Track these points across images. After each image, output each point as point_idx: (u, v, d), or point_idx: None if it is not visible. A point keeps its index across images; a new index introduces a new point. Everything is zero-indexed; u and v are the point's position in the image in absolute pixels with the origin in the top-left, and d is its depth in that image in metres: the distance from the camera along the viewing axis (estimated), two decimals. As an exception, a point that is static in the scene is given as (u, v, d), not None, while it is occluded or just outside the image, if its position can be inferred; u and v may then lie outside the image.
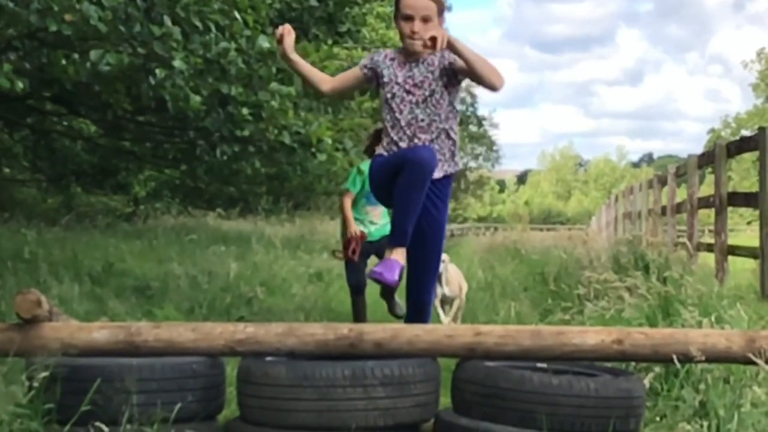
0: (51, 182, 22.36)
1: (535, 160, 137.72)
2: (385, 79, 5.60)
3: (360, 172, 8.78)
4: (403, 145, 5.51)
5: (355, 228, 8.70)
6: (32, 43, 10.31)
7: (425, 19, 5.33)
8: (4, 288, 9.12)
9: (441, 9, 5.46)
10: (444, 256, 8.19)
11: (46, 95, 14.65)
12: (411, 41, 5.41)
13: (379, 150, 5.77)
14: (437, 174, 5.47)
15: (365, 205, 8.94)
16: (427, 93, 5.51)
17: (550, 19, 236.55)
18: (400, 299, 7.57)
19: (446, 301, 9.31)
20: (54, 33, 9.21)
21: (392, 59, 5.65)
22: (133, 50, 9.62)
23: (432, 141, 5.53)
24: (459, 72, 5.47)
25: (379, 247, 8.44)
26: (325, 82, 5.81)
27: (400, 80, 5.55)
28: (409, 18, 5.37)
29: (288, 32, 5.56)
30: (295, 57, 5.66)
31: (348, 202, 8.71)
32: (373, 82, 5.72)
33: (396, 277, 5.45)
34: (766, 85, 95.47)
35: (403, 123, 5.53)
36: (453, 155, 5.68)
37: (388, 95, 5.57)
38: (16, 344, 4.78)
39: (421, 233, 5.55)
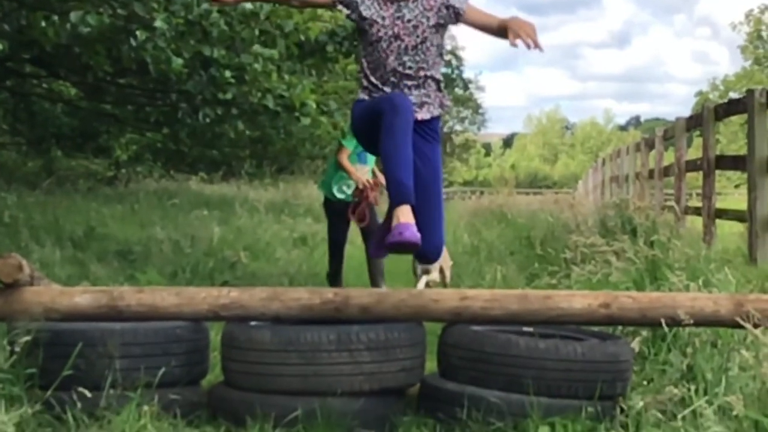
0: (31, 145, 22.28)
1: (521, 123, 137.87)
2: (368, 21, 5.06)
3: None
4: (387, 89, 5.12)
5: (359, 177, 8.55)
6: (11, 4, 10.24)
7: None
8: (-16, 252, 9.09)
9: None
10: None
11: (25, 57, 14.55)
12: None
13: (361, 94, 5.35)
14: (425, 116, 5.17)
15: (355, 162, 8.77)
16: (418, 40, 5.05)
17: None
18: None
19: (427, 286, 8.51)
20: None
21: None
22: (114, 11, 9.56)
23: (417, 87, 5.15)
24: (466, 24, 5.12)
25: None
26: None
27: (387, 22, 5.03)
28: None
29: None
30: None
31: (344, 156, 8.64)
32: (347, 13, 5.17)
33: (417, 234, 4.80)
34: (754, 48, 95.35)
35: (388, 69, 5.11)
36: (439, 99, 5.28)
37: (372, 38, 5.08)
38: (-4, 309, 4.78)
39: (417, 176, 5.02)
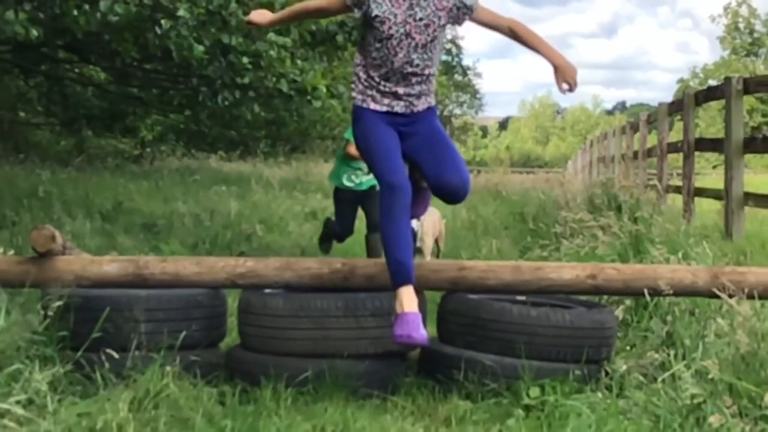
0: (64, 126, 22.28)
1: (516, 107, 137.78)
2: (380, 18, 4.60)
3: None
4: (390, 85, 4.74)
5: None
6: (45, -7, 10.21)
7: None
8: (21, 224, 9.15)
9: None
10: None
11: (58, 44, 14.53)
12: None
13: (357, 96, 4.85)
14: (423, 107, 4.82)
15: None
16: (428, 39, 4.68)
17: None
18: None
19: (417, 252, 8.20)
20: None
21: None
22: (140, 1, 9.54)
23: (419, 83, 4.76)
24: (475, 21, 4.84)
25: (367, 197, 8.35)
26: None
27: (399, 19, 4.62)
28: None
29: (256, 18, 5.00)
30: (272, 18, 5.03)
31: (352, 148, 8.53)
32: (357, 14, 4.73)
33: (425, 333, 4.41)
34: (732, 38, 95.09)
35: (395, 66, 4.68)
36: (433, 90, 4.91)
37: (383, 35, 4.62)
38: (32, 276, 4.81)
39: (436, 142, 4.78)
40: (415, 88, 4.78)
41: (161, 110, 20.67)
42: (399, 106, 4.77)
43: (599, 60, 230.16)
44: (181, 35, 9.77)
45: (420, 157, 4.76)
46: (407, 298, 4.43)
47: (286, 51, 11.31)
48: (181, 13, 9.49)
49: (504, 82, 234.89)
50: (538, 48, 4.80)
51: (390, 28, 4.60)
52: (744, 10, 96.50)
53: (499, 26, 4.81)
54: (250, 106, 13.60)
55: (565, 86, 4.70)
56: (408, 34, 4.62)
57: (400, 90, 4.76)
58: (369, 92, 4.80)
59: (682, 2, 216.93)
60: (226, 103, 13.09)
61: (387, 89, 4.77)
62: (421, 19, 4.63)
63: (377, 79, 4.76)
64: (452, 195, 4.70)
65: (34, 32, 9.20)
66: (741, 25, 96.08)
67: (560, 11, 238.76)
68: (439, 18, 4.68)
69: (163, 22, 9.71)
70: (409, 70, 4.70)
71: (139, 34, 10.81)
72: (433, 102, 4.90)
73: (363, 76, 4.82)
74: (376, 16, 4.60)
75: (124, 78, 17.56)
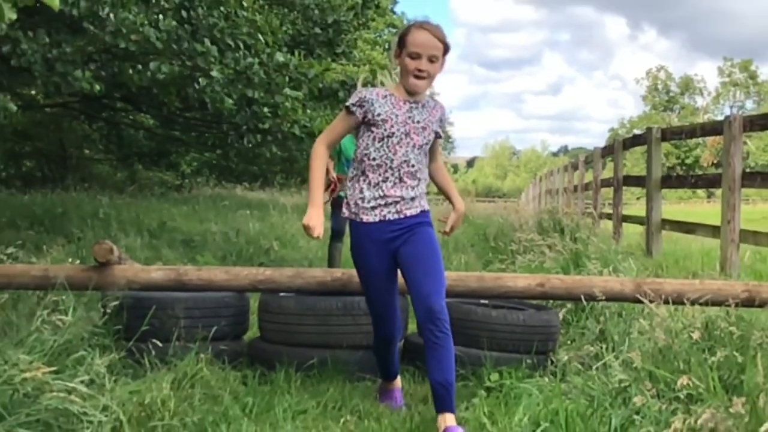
0: (119, 161, 22.27)
1: (480, 149, 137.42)
2: (382, 117, 3.94)
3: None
4: (388, 186, 3.96)
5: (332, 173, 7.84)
6: (107, 56, 10.21)
7: (432, 59, 3.92)
8: (85, 239, 9.16)
9: (447, 50, 4.00)
10: None
11: (116, 96, 14.52)
12: (415, 81, 3.95)
13: (355, 205, 4.03)
14: (416, 210, 4.01)
15: (344, 170, 7.83)
16: (424, 141, 4.02)
17: (493, 45, 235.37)
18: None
19: None
20: (123, 49, 9.18)
21: (385, 97, 4.00)
22: (182, 63, 9.57)
23: (414, 187, 4.00)
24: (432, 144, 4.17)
25: (335, 206, 8.04)
26: (324, 156, 4.12)
27: (400, 119, 3.96)
28: (417, 56, 3.90)
29: (317, 230, 3.88)
30: (320, 205, 3.98)
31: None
32: (361, 117, 4.00)
33: (402, 401, 4.37)
34: (652, 97, 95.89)
35: (394, 164, 3.95)
36: (424, 196, 4.16)
37: (385, 133, 3.94)
38: (93, 281, 4.81)
39: (425, 252, 3.96)
40: (410, 191, 3.99)
41: (198, 149, 20.61)
42: (391, 214, 3.96)
43: (547, 112, 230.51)
44: (215, 90, 9.78)
45: (409, 272, 3.93)
46: (394, 383, 4.41)
47: (299, 102, 11.30)
48: (214, 73, 9.52)
49: (471, 129, 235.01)
50: (449, 190, 4.37)
51: (392, 126, 3.94)
52: (662, 74, 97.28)
53: (436, 157, 4.27)
54: (269, 147, 13.64)
55: (448, 229, 4.33)
56: (407, 134, 3.96)
57: (396, 192, 3.96)
58: (362, 205, 3.99)
59: (613, 67, 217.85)
60: (250, 144, 13.13)
61: (380, 194, 3.96)
62: (418, 122, 4.00)
63: (376, 181, 3.97)
64: (429, 316, 3.83)
65: (97, 87, 9.19)
66: (659, 86, 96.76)
67: (516, 74, 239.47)
68: (432, 123, 4.07)
69: (200, 80, 9.73)
70: (406, 169, 3.96)
71: (181, 89, 10.80)
72: (426, 206, 4.10)
73: (357, 187, 4.02)
74: (379, 114, 3.93)
75: (168, 123, 17.52)
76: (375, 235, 3.96)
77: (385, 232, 3.97)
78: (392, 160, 3.94)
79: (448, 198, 4.41)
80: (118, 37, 9.29)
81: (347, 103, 4.01)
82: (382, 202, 3.96)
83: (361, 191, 3.98)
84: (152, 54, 9.53)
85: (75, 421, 3.12)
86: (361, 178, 4.00)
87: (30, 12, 8.21)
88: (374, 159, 3.95)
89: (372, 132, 3.97)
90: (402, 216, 3.97)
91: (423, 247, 3.94)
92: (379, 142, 3.95)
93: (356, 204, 4.01)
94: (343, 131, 4.11)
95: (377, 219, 3.96)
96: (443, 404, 3.75)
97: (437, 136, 4.16)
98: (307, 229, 3.85)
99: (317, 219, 3.85)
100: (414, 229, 3.98)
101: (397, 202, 3.97)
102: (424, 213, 4.04)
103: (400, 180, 3.96)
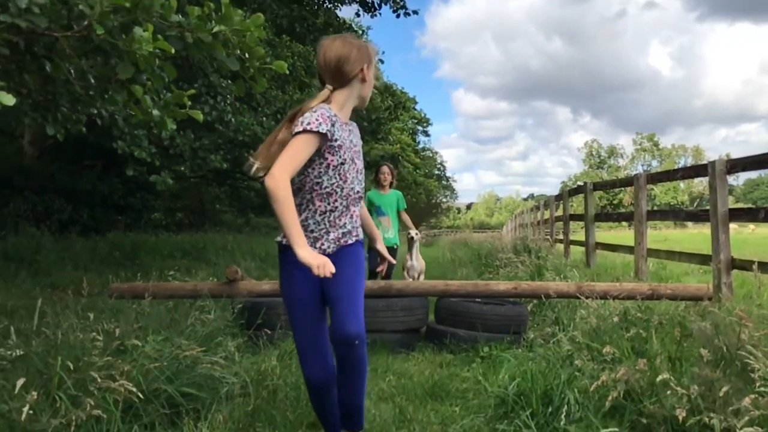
0: (239, 212, 22.48)
1: (475, 197, 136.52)
2: (338, 142, 2.48)
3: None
4: (336, 215, 2.51)
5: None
6: (230, 145, 10.45)
7: None
8: (219, 264, 9.25)
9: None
10: (414, 233, 6.43)
11: (237, 171, 14.77)
12: (365, 103, 2.64)
13: (302, 227, 2.47)
14: (353, 239, 2.54)
15: (376, 216, 6.31)
16: (361, 165, 2.64)
17: (482, 128, 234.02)
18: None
19: (413, 269, 6.53)
20: (241, 140, 9.39)
21: (335, 117, 2.47)
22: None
23: (356, 216, 2.58)
24: None
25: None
26: (290, 187, 2.30)
27: (347, 145, 2.52)
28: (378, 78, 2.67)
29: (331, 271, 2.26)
30: (305, 244, 2.32)
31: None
32: (328, 144, 2.46)
33: None
34: (589, 160, 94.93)
35: (344, 192, 2.51)
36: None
37: (339, 160, 2.47)
38: (225, 292, 4.89)
39: (347, 277, 2.47)
40: (353, 220, 2.56)
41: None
42: (330, 248, 2.50)
43: (519, 171, 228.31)
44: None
45: (332, 293, 2.45)
46: None
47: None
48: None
49: (468, 183, 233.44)
50: (372, 230, 2.84)
51: (345, 152, 2.49)
52: (595, 144, 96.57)
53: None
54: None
55: (380, 269, 2.94)
56: (353, 159, 2.54)
57: (343, 221, 2.52)
58: (320, 225, 2.50)
59: (562, 140, 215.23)
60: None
61: (324, 226, 2.51)
62: (356, 145, 2.59)
63: (324, 210, 2.49)
64: (346, 343, 2.39)
65: (225, 165, 9.44)
66: (594, 153, 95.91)
67: (497, 147, 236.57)
68: (361, 147, 2.69)
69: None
70: (353, 196, 2.54)
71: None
72: (361, 236, 2.62)
73: (301, 216, 2.49)
74: (336, 139, 2.44)
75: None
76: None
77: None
78: (342, 189, 2.51)
79: (372, 235, 2.94)
80: (237, 133, 9.55)
81: (315, 129, 2.38)
82: (325, 233, 2.51)
83: (306, 220, 2.49)
84: (259, 143, 9.74)
85: (217, 382, 3.16)
86: (309, 207, 2.50)
87: (181, 121, 8.53)
88: (326, 187, 2.48)
89: (325, 159, 2.46)
90: (338, 248, 2.51)
91: (349, 274, 2.48)
92: (333, 170, 2.48)
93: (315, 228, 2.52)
94: (306, 159, 2.39)
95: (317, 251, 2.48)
96: (349, 423, 2.62)
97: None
98: (320, 268, 2.24)
99: (318, 256, 2.27)
100: (347, 255, 2.52)
101: (338, 231, 2.52)
102: (360, 243, 2.59)
103: (347, 209, 2.53)
